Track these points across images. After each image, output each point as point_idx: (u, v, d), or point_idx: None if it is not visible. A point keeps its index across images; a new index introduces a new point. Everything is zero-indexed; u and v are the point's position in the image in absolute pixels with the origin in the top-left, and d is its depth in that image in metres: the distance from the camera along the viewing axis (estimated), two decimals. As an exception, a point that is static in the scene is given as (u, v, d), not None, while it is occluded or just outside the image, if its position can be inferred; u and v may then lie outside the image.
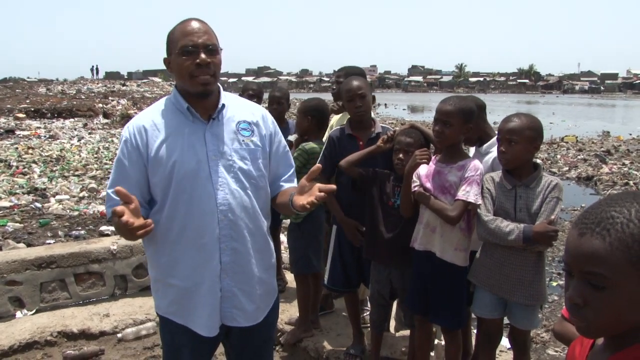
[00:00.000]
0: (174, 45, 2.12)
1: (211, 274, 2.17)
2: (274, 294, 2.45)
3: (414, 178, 3.03)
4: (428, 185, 3.01)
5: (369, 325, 3.75)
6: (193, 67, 2.09)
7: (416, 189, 3.02)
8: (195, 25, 2.12)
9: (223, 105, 2.22)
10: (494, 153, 3.25)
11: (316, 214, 3.89)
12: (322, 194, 2.00)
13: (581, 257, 1.08)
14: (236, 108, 2.29)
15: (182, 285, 2.18)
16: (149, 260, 2.31)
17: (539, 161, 15.54)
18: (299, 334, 3.94)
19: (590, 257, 1.06)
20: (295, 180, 2.45)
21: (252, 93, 4.61)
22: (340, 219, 3.50)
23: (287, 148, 2.48)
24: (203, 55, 2.08)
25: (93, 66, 65.41)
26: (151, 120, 2.17)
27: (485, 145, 3.37)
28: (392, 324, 3.76)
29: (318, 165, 2.08)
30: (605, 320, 1.08)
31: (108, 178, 8.94)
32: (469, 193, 2.86)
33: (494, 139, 3.35)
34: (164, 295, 2.25)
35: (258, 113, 2.37)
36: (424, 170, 3.04)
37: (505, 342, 3.79)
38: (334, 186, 2.08)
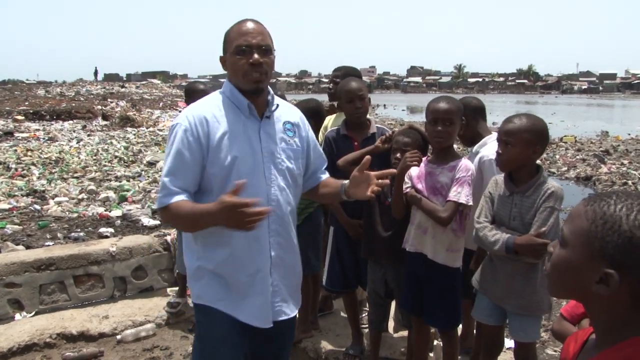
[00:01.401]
0: (229, 44, 2.23)
1: (264, 267, 2.26)
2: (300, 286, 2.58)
3: (406, 179, 3.02)
4: (419, 186, 3.01)
5: (367, 325, 3.75)
6: (247, 67, 2.20)
7: (408, 190, 3.02)
8: (250, 25, 2.24)
9: (277, 105, 2.37)
10: (482, 152, 3.27)
11: (315, 214, 3.90)
12: (383, 180, 2.30)
13: (569, 214, 1.19)
14: (282, 109, 2.42)
15: (235, 278, 2.24)
16: (197, 251, 2.30)
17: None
18: (298, 335, 3.93)
19: (569, 215, 1.18)
20: (328, 173, 2.65)
21: None
22: (343, 220, 3.50)
23: (319, 145, 2.65)
24: (256, 56, 2.19)
25: (96, 68, 65.21)
26: (211, 112, 2.23)
27: (476, 145, 3.39)
28: (392, 324, 3.77)
29: (368, 157, 2.29)
30: (553, 275, 1.20)
31: (107, 180, 8.88)
32: (460, 194, 2.85)
33: (485, 139, 3.36)
34: (211, 283, 2.27)
35: (297, 115, 2.50)
36: (415, 171, 3.03)
37: (507, 343, 3.79)
38: (393, 170, 2.39)
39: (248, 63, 2.20)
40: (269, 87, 2.36)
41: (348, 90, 3.41)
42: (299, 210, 3.86)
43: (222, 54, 2.32)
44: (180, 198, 2.14)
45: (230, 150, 2.18)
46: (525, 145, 2.66)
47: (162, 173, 2.22)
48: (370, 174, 2.29)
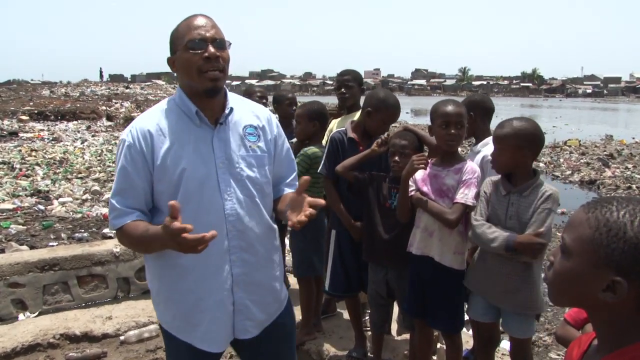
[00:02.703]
0: (179, 41, 2.01)
1: (220, 288, 2.07)
2: (283, 299, 2.37)
3: (410, 182, 3.03)
4: (425, 189, 3.01)
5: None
6: (201, 62, 1.97)
7: (413, 193, 3.02)
8: (201, 19, 2.03)
9: (231, 109, 2.12)
10: (485, 151, 3.32)
11: (318, 216, 3.88)
12: (312, 210, 1.87)
13: (568, 221, 1.17)
14: (242, 111, 2.19)
15: (186, 299, 2.09)
16: (151, 272, 2.21)
17: (541, 165, 15.63)
18: (302, 337, 3.93)
19: (570, 223, 1.16)
20: (297, 184, 2.34)
21: (261, 95, 4.64)
22: (348, 223, 3.51)
23: (290, 151, 2.40)
24: (212, 49, 1.97)
25: (101, 69, 65.43)
26: (156, 124, 2.04)
27: (479, 145, 3.43)
28: (394, 327, 3.76)
29: (306, 178, 1.93)
30: (556, 284, 1.18)
31: (112, 180, 8.90)
32: (467, 196, 2.86)
33: (488, 138, 3.41)
34: (166, 309, 2.17)
35: (263, 116, 2.25)
36: (419, 174, 3.03)
37: (504, 344, 3.80)
38: (322, 201, 1.96)
39: (203, 57, 1.96)
40: (226, 88, 2.14)
41: (396, 108, 3.45)
42: None
43: (169, 55, 2.09)
44: (131, 219, 1.99)
45: (178, 164, 1.99)
46: (514, 150, 2.74)
47: (110, 194, 2.06)
48: (304, 201, 1.91)
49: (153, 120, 2.07)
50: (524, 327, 2.86)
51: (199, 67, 1.98)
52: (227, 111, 2.10)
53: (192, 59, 1.98)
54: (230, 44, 2.08)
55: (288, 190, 2.31)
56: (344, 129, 3.60)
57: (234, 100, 2.19)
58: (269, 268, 2.23)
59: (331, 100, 4.73)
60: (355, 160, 3.31)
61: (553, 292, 1.21)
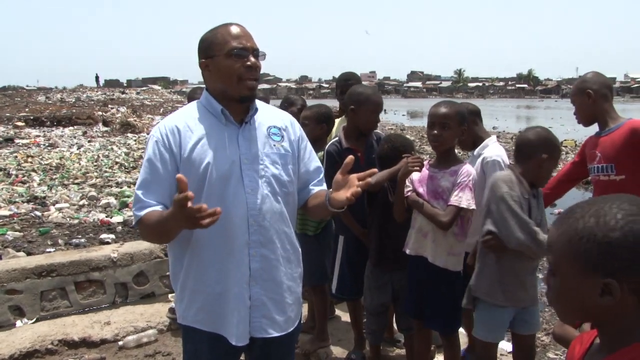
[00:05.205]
0: (218, 47, 2.10)
1: (240, 281, 2.12)
2: (300, 304, 2.40)
3: (407, 183, 3.04)
4: (421, 190, 3.03)
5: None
6: (243, 70, 2.09)
7: (409, 194, 3.03)
8: (240, 28, 2.14)
9: (256, 109, 2.22)
10: (485, 154, 3.35)
11: (330, 224, 3.88)
12: (367, 181, 2.01)
13: (547, 243, 1.20)
14: (266, 113, 2.29)
15: (212, 290, 2.13)
16: (175, 267, 2.23)
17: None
18: (318, 344, 3.90)
19: (548, 245, 1.19)
20: (325, 184, 2.42)
21: (263, 98, 4.63)
22: (360, 234, 3.53)
23: (314, 152, 2.46)
24: (252, 58, 2.10)
25: (97, 75, 65.57)
26: (184, 121, 2.14)
27: (477, 148, 3.43)
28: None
29: (351, 157, 2.04)
30: (558, 304, 1.20)
31: (108, 186, 8.82)
32: (461, 199, 2.87)
33: (486, 141, 3.43)
34: (192, 302, 2.18)
35: (286, 119, 2.37)
36: (416, 175, 3.06)
37: (502, 344, 3.79)
38: (374, 170, 2.09)
39: (244, 66, 2.08)
40: None
41: (378, 103, 3.50)
42: (319, 220, 3.80)
43: (203, 59, 2.17)
44: (152, 209, 2.04)
45: (203, 158, 2.07)
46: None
47: (135, 186, 2.12)
48: (352, 177, 2.03)
49: (181, 118, 2.18)
50: (538, 318, 3.00)
51: (239, 74, 2.09)
52: (252, 111, 2.20)
53: (233, 66, 2.09)
54: (265, 54, 2.19)
55: (317, 189, 2.38)
56: (337, 138, 3.61)
57: (258, 103, 2.27)
58: (288, 267, 2.26)
59: (328, 104, 4.71)
60: (387, 175, 3.20)
61: (559, 312, 1.24)
